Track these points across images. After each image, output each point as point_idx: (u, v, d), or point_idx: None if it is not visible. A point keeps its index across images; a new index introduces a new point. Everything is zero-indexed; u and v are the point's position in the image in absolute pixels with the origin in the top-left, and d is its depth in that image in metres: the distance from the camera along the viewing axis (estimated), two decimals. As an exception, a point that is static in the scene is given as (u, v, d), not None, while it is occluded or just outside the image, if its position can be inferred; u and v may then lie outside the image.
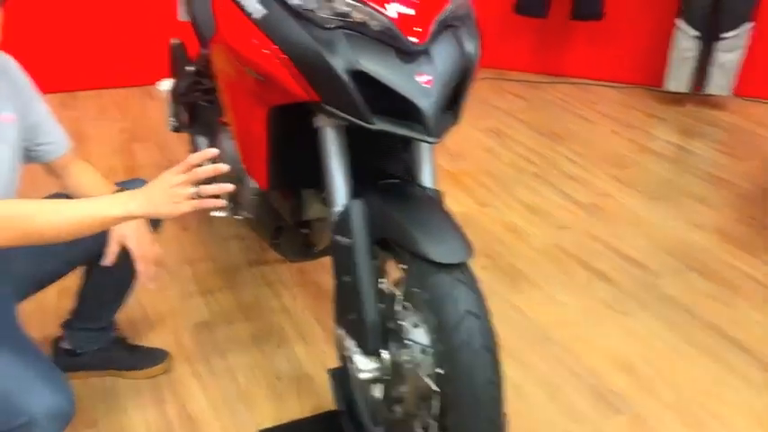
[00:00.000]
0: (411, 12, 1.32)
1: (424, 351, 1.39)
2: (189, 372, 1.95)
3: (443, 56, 1.36)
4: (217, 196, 1.34)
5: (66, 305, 1.87)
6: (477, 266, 1.35)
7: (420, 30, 1.32)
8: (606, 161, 3.45)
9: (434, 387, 1.34)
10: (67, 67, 3.91)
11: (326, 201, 1.51)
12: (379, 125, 1.33)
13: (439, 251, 1.28)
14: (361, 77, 1.30)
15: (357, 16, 1.32)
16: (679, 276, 2.51)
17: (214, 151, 1.34)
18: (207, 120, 2.31)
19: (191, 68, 2.36)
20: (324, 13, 1.33)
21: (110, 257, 1.56)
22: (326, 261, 2.05)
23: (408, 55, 1.32)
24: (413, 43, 1.31)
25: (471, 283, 1.30)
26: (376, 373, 1.46)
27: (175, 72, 2.54)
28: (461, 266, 1.31)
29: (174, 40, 2.63)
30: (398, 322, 1.42)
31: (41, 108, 1.62)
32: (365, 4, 1.31)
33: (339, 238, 1.46)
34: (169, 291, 2.29)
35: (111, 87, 4.04)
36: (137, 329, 2.08)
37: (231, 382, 1.92)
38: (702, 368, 2.07)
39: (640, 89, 4.43)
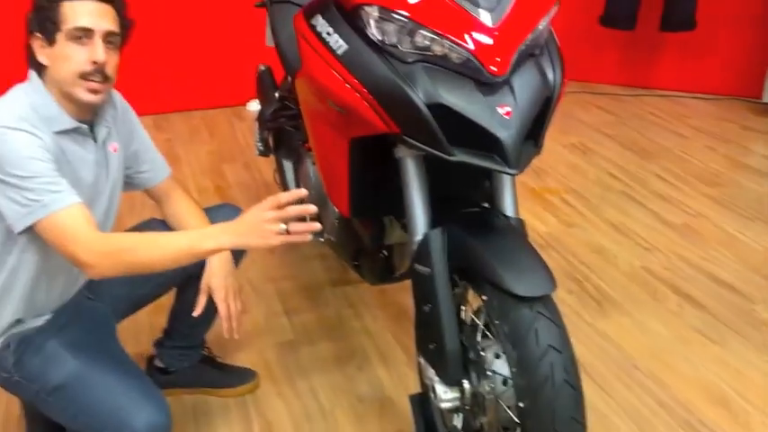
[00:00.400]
0: (491, 42, 1.32)
1: (505, 382, 1.38)
2: (274, 391, 2.00)
3: (524, 86, 1.35)
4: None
5: (157, 322, 1.95)
6: (562, 290, 1.34)
7: (500, 60, 1.31)
8: (699, 178, 3.31)
9: (516, 420, 1.32)
10: (160, 89, 4.10)
11: (407, 229, 1.53)
12: (459, 156, 1.33)
13: (521, 284, 1.27)
14: (441, 109, 1.31)
15: (437, 50, 1.33)
16: (778, 303, 2.39)
17: (303, 192, 1.39)
18: (292, 144, 2.37)
19: (276, 95, 2.44)
20: (404, 48, 1.34)
21: (199, 309, 1.63)
22: (407, 282, 2.08)
23: (488, 86, 1.32)
24: (493, 75, 1.31)
25: (553, 317, 1.29)
26: (456, 403, 1.46)
27: (262, 97, 2.62)
28: (543, 299, 1.29)
29: (261, 66, 2.72)
30: (479, 352, 1.41)
31: (143, 136, 1.72)
32: (444, 36, 1.32)
33: (419, 266, 1.47)
34: (254, 309, 2.36)
35: (200, 108, 4.20)
36: (223, 347, 2.15)
37: (314, 403, 1.96)
38: (804, 403, 1.95)
39: (736, 101, 4.23)
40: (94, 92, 1.44)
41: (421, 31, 1.32)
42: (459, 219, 1.48)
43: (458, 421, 1.54)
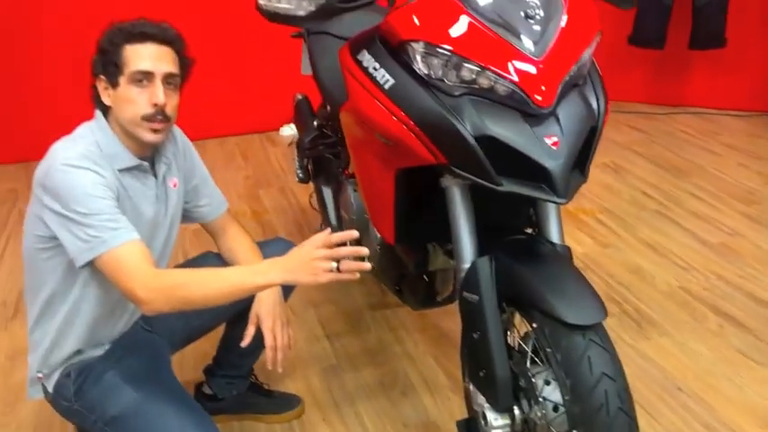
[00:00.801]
0: (537, 74, 1.34)
1: (556, 409, 1.39)
2: (319, 417, 2.03)
3: (570, 116, 1.38)
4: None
5: (201, 348, 1.98)
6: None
7: (546, 92, 1.34)
8: (734, 196, 3.29)
9: (567, 447, 1.34)
10: (194, 116, 4.15)
11: (454, 256, 1.55)
12: (508, 186, 1.36)
13: (573, 312, 1.29)
14: (488, 141, 1.34)
15: (483, 83, 1.36)
16: (822, 322, 2.37)
17: (356, 234, 1.43)
18: (331, 171, 2.41)
19: (315, 123, 2.49)
20: (450, 81, 1.38)
21: (247, 339, 1.65)
22: (447, 306, 2.10)
23: (535, 117, 1.35)
24: (539, 106, 1.34)
25: (605, 344, 1.30)
26: (507, 430, 1.47)
27: (300, 126, 2.67)
28: (595, 326, 1.31)
29: (298, 95, 2.77)
30: (530, 379, 1.42)
31: (203, 171, 1.77)
32: (490, 69, 1.35)
33: (467, 294, 1.49)
34: (296, 334, 2.37)
35: (234, 134, 4.27)
36: (268, 374, 2.17)
37: (359, 428, 1.98)
38: None
39: (767, 117, 4.21)
40: (156, 132, 1.50)
41: (467, 65, 1.35)
42: (505, 246, 1.50)
43: (507, 448, 1.55)
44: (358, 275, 1.41)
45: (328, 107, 2.29)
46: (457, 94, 1.38)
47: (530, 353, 1.47)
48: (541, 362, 1.46)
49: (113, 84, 1.49)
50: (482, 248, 1.52)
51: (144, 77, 1.47)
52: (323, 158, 2.49)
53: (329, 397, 2.11)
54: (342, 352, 2.31)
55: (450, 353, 2.28)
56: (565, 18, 1.41)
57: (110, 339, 1.62)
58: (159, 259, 1.66)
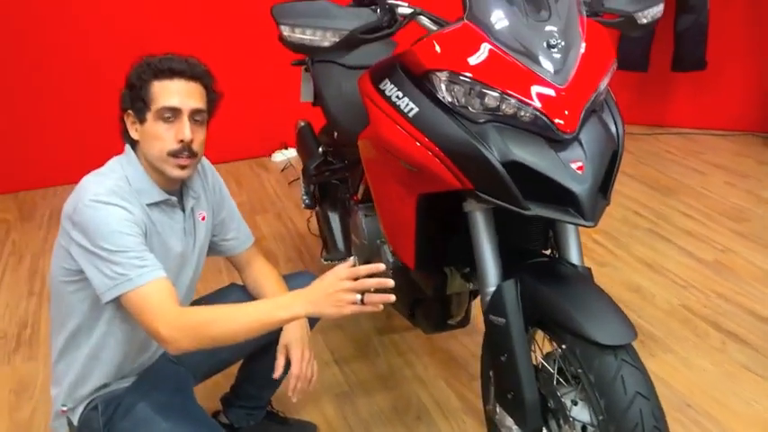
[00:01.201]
0: (561, 101, 1.38)
1: (584, 429, 1.41)
2: (336, 444, 2.03)
3: (592, 141, 1.41)
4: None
5: (215, 377, 1.97)
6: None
7: (569, 116, 1.38)
8: (723, 214, 3.37)
9: (599, 466, 1.35)
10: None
11: (478, 279, 1.57)
12: (535, 210, 1.38)
13: (604, 333, 1.32)
14: (514, 166, 1.37)
15: (507, 110, 1.39)
16: (820, 336, 2.43)
17: (382, 267, 1.43)
18: (337, 197, 2.43)
19: (320, 149, 2.51)
20: (475, 109, 1.41)
21: (278, 371, 1.65)
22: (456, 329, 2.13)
23: (559, 143, 1.38)
24: (563, 132, 1.37)
25: (637, 363, 1.33)
26: (536, 451, 1.48)
27: (304, 152, 2.69)
28: (626, 346, 1.33)
29: (301, 122, 2.80)
30: (559, 399, 1.44)
31: (231, 205, 1.78)
32: (513, 96, 1.38)
33: (494, 317, 1.51)
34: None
35: (225, 161, 4.26)
36: (283, 401, 2.16)
37: (377, 454, 1.98)
38: None
39: (749, 136, 4.33)
40: (183, 168, 1.51)
41: (491, 93, 1.38)
42: (529, 269, 1.52)
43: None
44: (381, 307, 1.42)
45: (335, 134, 2.31)
46: (481, 121, 1.41)
47: (555, 373, 1.49)
48: (566, 382, 1.49)
49: (141, 119, 1.50)
50: (504, 272, 1.55)
51: (171, 114, 1.48)
52: (329, 184, 2.51)
53: (344, 424, 2.10)
54: (353, 378, 2.31)
55: (460, 375, 2.30)
56: (584, 46, 1.45)
57: (136, 372, 1.61)
58: (187, 293, 1.67)
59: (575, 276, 1.51)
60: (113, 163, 1.54)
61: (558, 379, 1.49)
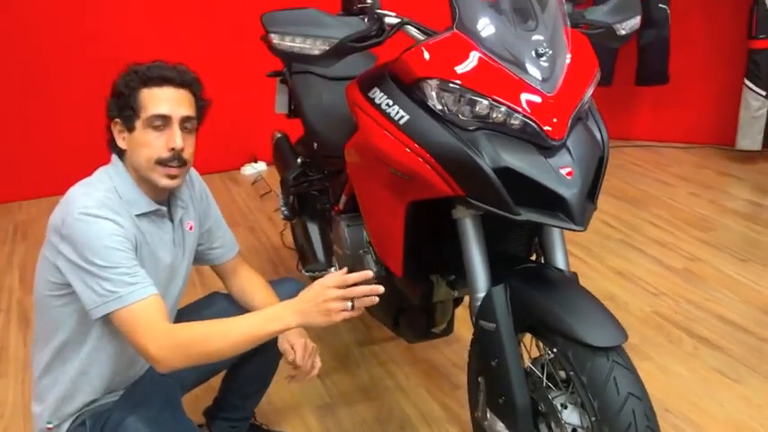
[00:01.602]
0: (549, 109, 1.40)
1: (575, 431, 1.43)
2: (320, 455, 2.01)
3: (580, 147, 1.44)
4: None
5: (194, 392, 1.94)
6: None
7: (557, 123, 1.40)
8: (690, 224, 3.46)
9: (591, 468, 1.37)
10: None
11: (468, 286, 1.58)
12: (526, 215, 1.40)
13: (596, 335, 1.34)
14: (505, 172, 1.39)
15: (497, 117, 1.42)
16: (788, 340, 2.50)
17: (370, 273, 1.45)
18: (318, 208, 2.43)
19: (298, 161, 2.51)
20: (465, 116, 1.43)
21: (290, 355, 1.66)
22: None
23: (548, 149, 1.41)
24: (552, 138, 1.40)
25: (628, 364, 1.35)
26: (528, 455, 1.49)
27: (281, 164, 2.68)
28: (617, 348, 1.36)
29: (277, 134, 2.79)
30: (550, 403, 1.46)
31: (217, 214, 1.76)
32: (504, 104, 1.40)
33: (484, 323, 1.52)
34: (286, 373, 2.35)
35: (195, 175, 4.23)
36: (265, 414, 2.15)
37: (362, 465, 1.97)
38: (832, 435, 2.04)
39: (711, 149, 4.46)
40: (172, 177, 1.49)
41: (482, 100, 1.40)
42: (518, 274, 1.54)
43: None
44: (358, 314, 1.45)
45: (315, 145, 2.31)
46: (472, 128, 1.42)
47: (544, 378, 1.51)
48: (555, 386, 1.50)
49: (129, 128, 1.47)
50: (492, 278, 1.56)
51: (161, 121, 1.46)
52: (307, 196, 2.50)
53: (329, 435, 2.09)
54: (334, 390, 2.30)
55: (442, 385, 2.30)
56: (569, 56, 1.49)
57: (125, 385, 1.58)
58: (175, 305, 1.64)
59: (563, 281, 1.53)
60: (101, 173, 1.51)
61: (548, 384, 1.51)
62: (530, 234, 1.75)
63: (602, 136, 1.55)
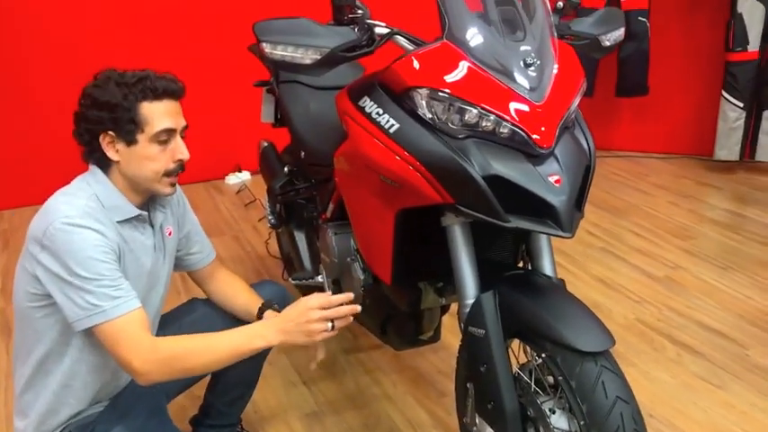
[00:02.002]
0: (538, 118, 1.43)
1: (563, 436, 1.45)
2: (308, 463, 2.01)
3: (567, 156, 1.47)
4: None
5: (178, 400, 1.93)
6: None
7: (545, 132, 1.43)
8: (670, 232, 3.51)
9: (580, 472, 1.39)
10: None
11: (457, 293, 1.60)
12: (515, 223, 1.42)
13: (584, 340, 1.36)
14: (494, 180, 1.41)
15: (486, 125, 1.44)
16: (768, 346, 2.55)
17: (352, 296, 1.51)
18: (305, 216, 2.43)
19: (285, 169, 2.51)
20: (454, 125, 1.45)
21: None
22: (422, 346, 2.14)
23: (536, 158, 1.43)
24: (541, 147, 1.42)
25: (616, 369, 1.37)
26: (517, 460, 1.51)
27: (268, 172, 2.69)
28: (605, 353, 1.38)
29: (264, 142, 2.80)
30: (539, 408, 1.48)
31: (193, 218, 1.76)
32: (493, 112, 1.42)
33: (473, 329, 1.53)
34: (272, 382, 2.37)
35: (180, 184, 4.21)
36: (251, 423, 2.15)
37: (349, 473, 1.97)
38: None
39: (689, 159, 4.53)
40: (173, 184, 1.52)
41: (472, 109, 1.43)
42: (506, 281, 1.56)
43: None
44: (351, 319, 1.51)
45: (302, 154, 2.32)
46: (461, 136, 1.44)
47: (533, 383, 1.53)
48: (543, 391, 1.52)
49: (129, 141, 1.46)
50: (481, 284, 1.58)
51: (166, 135, 1.48)
52: (294, 204, 2.51)
53: (316, 443, 2.09)
54: (321, 397, 2.30)
55: (428, 392, 2.31)
56: (556, 66, 1.51)
57: (109, 396, 1.57)
58: (158, 312, 1.64)
59: (551, 287, 1.55)
60: (79, 182, 1.50)
61: (536, 389, 1.53)
62: (517, 241, 1.78)
63: (588, 145, 1.57)
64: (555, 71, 1.50)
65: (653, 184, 4.20)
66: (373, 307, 2.05)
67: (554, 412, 1.47)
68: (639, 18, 4.16)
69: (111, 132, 1.46)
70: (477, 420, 1.59)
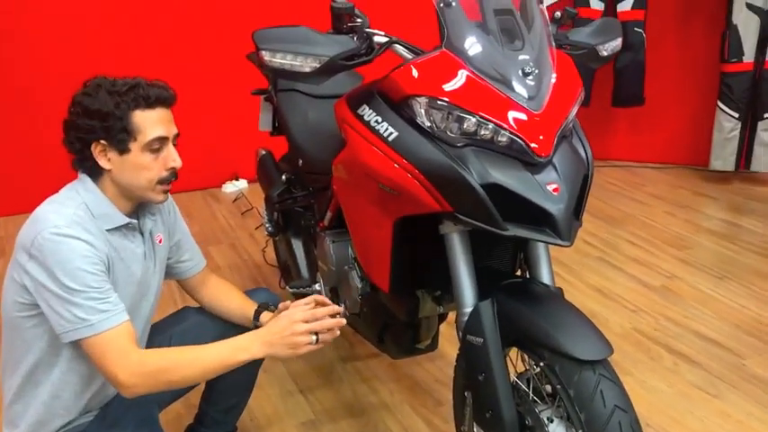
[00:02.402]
0: (536, 127, 1.43)
1: (562, 445, 1.45)
2: (305, 472, 2.00)
3: (565, 164, 1.47)
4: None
5: (175, 407, 1.93)
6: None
7: (544, 140, 1.43)
8: (666, 242, 3.52)
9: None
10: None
11: (455, 301, 1.60)
12: (513, 231, 1.43)
13: (583, 349, 1.36)
14: (493, 188, 1.41)
15: (484, 134, 1.44)
16: (764, 356, 2.55)
17: (340, 309, 1.54)
18: (302, 225, 2.43)
19: (282, 177, 2.51)
20: (453, 133, 1.45)
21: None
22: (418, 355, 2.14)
23: (534, 166, 1.44)
24: (538, 155, 1.43)
25: (614, 377, 1.37)
26: (516, 468, 1.50)
27: (266, 180, 2.69)
28: (603, 361, 1.38)
29: (261, 151, 2.80)
30: (537, 416, 1.47)
31: (183, 226, 1.76)
32: (491, 121, 1.43)
33: (471, 337, 1.53)
34: (269, 390, 2.36)
35: (175, 192, 4.20)
36: (247, 431, 2.14)
37: (346, 482, 1.97)
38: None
39: (685, 169, 4.55)
40: (166, 192, 1.52)
41: (470, 117, 1.43)
42: (504, 289, 1.56)
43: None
44: (338, 332, 1.53)
45: (300, 162, 2.32)
46: (460, 145, 1.45)
47: (531, 392, 1.52)
48: (541, 399, 1.52)
49: (122, 150, 1.45)
50: (479, 293, 1.58)
51: (159, 144, 1.47)
52: (292, 212, 2.51)
53: (313, 452, 2.08)
54: (318, 406, 2.29)
55: (425, 401, 2.31)
56: (554, 76, 1.52)
57: (99, 405, 1.56)
58: (148, 321, 1.63)
59: (549, 295, 1.56)
60: (68, 190, 1.49)
61: (534, 398, 1.52)
62: (515, 249, 1.78)
63: (586, 154, 1.58)
64: (553, 80, 1.51)
65: (649, 193, 4.21)
66: (371, 315, 2.06)
67: (552, 421, 1.47)
68: (636, 29, 4.19)
69: (102, 141, 1.45)
70: (474, 429, 1.58)
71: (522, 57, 1.49)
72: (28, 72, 3.72)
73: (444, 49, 1.50)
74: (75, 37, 3.75)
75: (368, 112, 1.59)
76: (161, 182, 1.49)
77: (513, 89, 1.45)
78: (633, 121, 4.61)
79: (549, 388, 1.49)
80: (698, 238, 3.58)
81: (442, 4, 1.51)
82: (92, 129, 1.45)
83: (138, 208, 1.57)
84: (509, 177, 1.42)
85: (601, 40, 1.78)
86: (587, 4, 4.22)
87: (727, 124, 4.12)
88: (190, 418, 1.97)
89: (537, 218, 1.42)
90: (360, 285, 1.96)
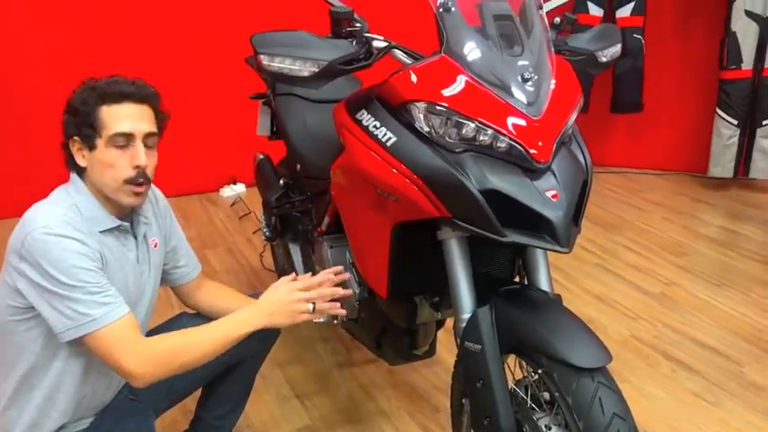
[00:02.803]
0: (534, 130, 1.43)
1: (560, 453, 1.43)
2: (301, 479, 1.99)
3: (564, 171, 1.47)
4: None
5: (172, 414, 1.91)
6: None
7: (543, 146, 1.42)
8: (665, 248, 3.52)
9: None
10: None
11: (453, 307, 1.59)
12: (511, 237, 1.42)
13: (581, 356, 1.35)
14: (491, 194, 1.41)
15: (483, 139, 1.43)
16: (762, 363, 2.54)
17: (339, 268, 1.57)
18: (300, 229, 2.43)
19: (280, 182, 2.51)
20: (452, 139, 1.44)
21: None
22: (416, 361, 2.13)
23: (533, 172, 1.43)
24: (537, 161, 1.42)
25: (612, 385, 1.36)
26: (513, 476, 1.49)
27: (263, 185, 2.68)
28: (602, 369, 1.37)
29: (259, 155, 2.79)
30: (535, 424, 1.46)
31: (179, 232, 1.74)
32: (490, 127, 1.42)
33: (469, 344, 1.52)
34: (265, 395, 2.34)
35: (172, 196, 4.19)
36: (243, 437, 2.13)
37: (343, 489, 1.95)
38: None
39: (684, 175, 4.55)
40: (138, 195, 1.47)
41: (469, 123, 1.42)
42: (502, 296, 1.55)
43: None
44: (336, 322, 1.51)
45: (298, 166, 2.31)
46: (458, 150, 1.44)
47: (529, 399, 1.51)
48: (539, 407, 1.51)
49: (90, 146, 1.43)
50: (477, 299, 1.57)
51: (124, 140, 1.43)
52: (289, 216, 2.50)
53: (309, 458, 2.07)
54: (314, 412, 2.28)
55: (423, 407, 2.29)
56: (554, 81, 1.52)
57: (95, 410, 1.54)
58: (143, 327, 1.62)
59: (547, 302, 1.55)
60: (59, 192, 1.48)
61: (532, 405, 1.51)
62: (513, 255, 1.77)
63: (585, 160, 1.58)
64: (552, 86, 1.50)
65: (647, 200, 4.21)
66: (368, 321, 2.05)
67: (550, 429, 1.46)
68: (635, 35, 4.19)
69: (75, 137, 1.45)
70: (468, 436, 1.58)
71: (521, 62, 1.48)
72: (20, 77, 3.70)
73: (443, 55, 1.49)
74: (71, 41, 3.74)
75: (366, 117, 1.58)
76: (128, 182, 1.45)
77: (512, 95, 1.45)
78: (632, 127, 4.61)
79: (547, 395, 1.48)
80: (696, 245, 3.58)
81: (441, 9, 1.50)
82: (66, 125, 1.47)
83: (132, 211, 1.56)
84: (508, 183, 1.41)
85: (600, 46, 1.77)
86: (587, 11, 4.23)
87: (726, 131, 4.13)
88: (186, 423, 1.96)
89: (536, 224, 1.41)
90: (357, 291, 1.95)
